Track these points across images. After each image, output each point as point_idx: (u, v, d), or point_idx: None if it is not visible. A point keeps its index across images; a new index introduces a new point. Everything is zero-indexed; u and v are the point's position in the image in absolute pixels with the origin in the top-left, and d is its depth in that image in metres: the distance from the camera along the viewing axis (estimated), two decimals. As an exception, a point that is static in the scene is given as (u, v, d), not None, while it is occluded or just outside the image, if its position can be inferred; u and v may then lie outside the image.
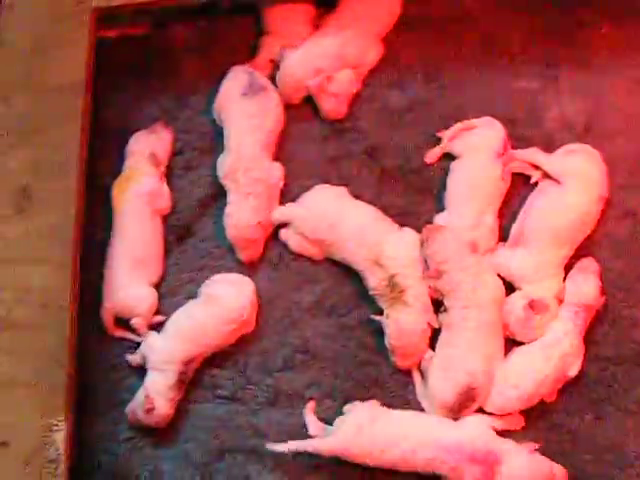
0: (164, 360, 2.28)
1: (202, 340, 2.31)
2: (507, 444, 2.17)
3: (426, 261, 2.30)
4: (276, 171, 2.46)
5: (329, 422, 2.29)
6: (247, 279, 2.39)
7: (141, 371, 2.38)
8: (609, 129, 2.41)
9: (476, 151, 2.37)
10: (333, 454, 2.21)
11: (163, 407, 2.26)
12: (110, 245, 2.44)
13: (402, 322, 2.28)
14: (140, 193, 2.45)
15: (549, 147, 2.39)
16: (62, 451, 2.15)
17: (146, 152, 2.49)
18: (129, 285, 2.40)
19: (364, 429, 2.18)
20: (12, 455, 2.14)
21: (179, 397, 2.30)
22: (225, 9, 2.59)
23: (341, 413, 2.28)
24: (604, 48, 2.45)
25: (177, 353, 2.29)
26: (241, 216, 2.41)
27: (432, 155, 2.45)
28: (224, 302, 2.34)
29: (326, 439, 2.22)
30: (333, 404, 2.33)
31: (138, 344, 2.39)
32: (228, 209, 2.44)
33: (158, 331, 2.38)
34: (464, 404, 2.23)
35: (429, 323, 2.29)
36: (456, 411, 2.24)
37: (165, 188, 2.50)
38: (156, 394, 2.26)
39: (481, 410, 2.26)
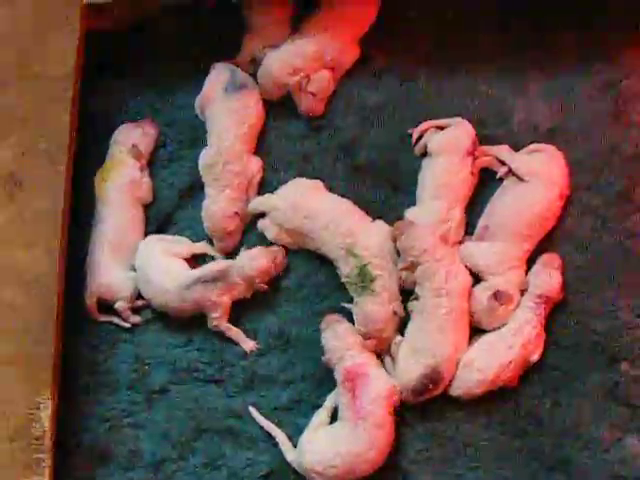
0: None
1: None
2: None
3: (399, 254, 2.39)
4: (254, 164, 2.53)
5: (301, 402, 2.43)
6: None
7: (124, 354, 2.49)
8: (572, 131, 2.49)
9: (446, 150, 2.44)
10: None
11: None
12: (93, 231, 2.52)
13: (368, 310, 2.38)
14: (121, 183, 2.54)
15: (515, 147, 2.48)
16: (47, 428, 2.23)
17: (129, 144, 2.56)
18: (111, 270, 2.49)
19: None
20: (-1, 431, 2.23)
21: None
22: (210, 9, 2.65)
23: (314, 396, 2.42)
24: (570, 53, 2.54)
25: None
26: (217, 208, 2.50)
27: (419, 148, 2.51)
28: None
29: (291, 452, 2.39)
30: (306, 387, 2.44)
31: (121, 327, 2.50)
32: (205, 202, 2.53)
33: (141, 315, 2.50)
34: (427, 387, 2.33)
35: (395, 311, 2.39)
36: (418, 393, 2.34)
37: (146, 179, 2.57)
38: None
39: (445, 394, 2.36)
